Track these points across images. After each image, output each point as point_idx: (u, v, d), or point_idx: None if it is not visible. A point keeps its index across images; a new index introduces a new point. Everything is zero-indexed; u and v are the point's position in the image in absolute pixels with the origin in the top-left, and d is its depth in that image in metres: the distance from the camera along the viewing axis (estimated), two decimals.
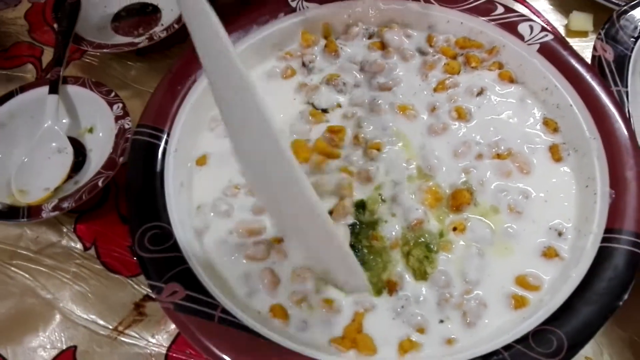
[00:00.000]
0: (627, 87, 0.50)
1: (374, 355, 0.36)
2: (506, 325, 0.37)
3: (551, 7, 0.64)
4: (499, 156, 0.46)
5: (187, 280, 0.37)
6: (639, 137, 0.47)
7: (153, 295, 0.43)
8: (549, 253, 0.41)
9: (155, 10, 0.62)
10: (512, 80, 0.50)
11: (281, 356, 0.34)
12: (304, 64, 0.52)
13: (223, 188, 0.44)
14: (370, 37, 0.53)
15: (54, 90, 0.52)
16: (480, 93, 0.49)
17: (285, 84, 0.51)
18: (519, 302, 0.39)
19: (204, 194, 0.44)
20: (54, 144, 0.51)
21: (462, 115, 0.47)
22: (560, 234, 0.42)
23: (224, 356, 0.34)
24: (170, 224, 0.40)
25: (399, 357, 0.36)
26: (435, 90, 0.49)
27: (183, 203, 0.42)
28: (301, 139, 0.47)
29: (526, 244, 0.42)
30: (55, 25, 0.57)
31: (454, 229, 0.42)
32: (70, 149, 0.50)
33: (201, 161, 0.46)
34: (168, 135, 0.44)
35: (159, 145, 0.43)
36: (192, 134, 0.46)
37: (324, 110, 0.49)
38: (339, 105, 0.49)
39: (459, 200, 0.43)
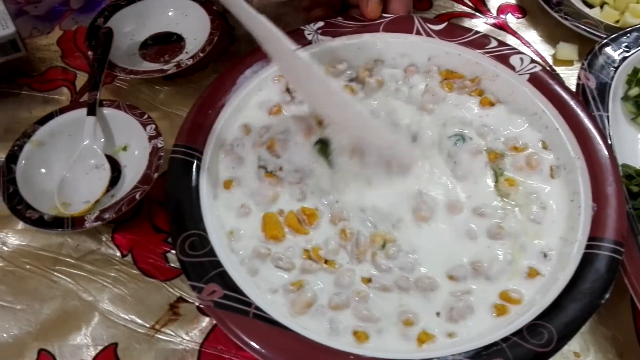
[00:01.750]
0: (608, 112, 0.56)
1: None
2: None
3: (540, 38, 0.71)
4: (516, 149, 0.52)
5: (224, 281, 0.42)
6: (619, 157, 0.53)
7: (192, 296, 0.49)
8: (532, 273, 0.45)
9: (179, 39, 0.68)
10: (492, 104, 0.55)
11: (310, 348, 0.39)
12: (287, 90, 0.56)
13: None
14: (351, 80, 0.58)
15: (92, 112, 0.57)
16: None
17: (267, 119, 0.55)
18: (500, 311, 0.43)
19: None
20: (92, 161, 0.56)
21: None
22: (545, 256, 0.46)
23: (257, 346, 0.39)
24: (206, 232, 0.45)
25: (417, 348, 0.41)
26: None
27: (216, 215, 0.47)
28: (272, 213, 0.48)
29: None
30: (90, 53, 0.63)
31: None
32: (107, 166, 0.55)
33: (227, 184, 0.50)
34: (201, 153, 0.49)
35: (193, 163, 0.48)
36: (218, 149, 0.51)
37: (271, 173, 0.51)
38: (281, 169, 0.51)
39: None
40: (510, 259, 0.46)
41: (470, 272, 0.45)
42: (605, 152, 0.49)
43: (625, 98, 0.60)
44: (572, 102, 0.52)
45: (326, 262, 0.46)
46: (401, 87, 0.56)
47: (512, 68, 0.54)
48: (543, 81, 0.53)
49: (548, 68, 0.63)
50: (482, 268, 0.45)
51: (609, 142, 0.52)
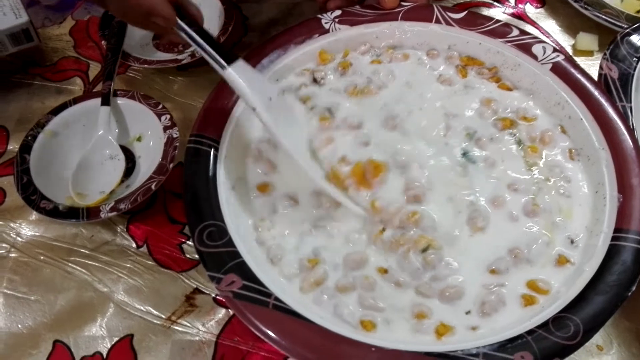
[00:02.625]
0: (630, 102, 0.55)
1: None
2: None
3: (559, 28, 0.69)
4: (525, 119, 0.52)
5: (243, 271, 0.41)
6: None
7: (209, 287, 0.49)
8: (561, 260, 0.45)
9: None
10: (510, 89, 0.55)
11: (331, 339, 0.39)
12: (314, 80, 0.55)
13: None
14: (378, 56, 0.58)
15: (106, 102, 0.56)
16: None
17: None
18: (529, 301, 0.43)
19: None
20: (107, 151, 0.55)
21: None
22: (572, 242, 0.46)
23: (278, 338, 0.38)
24: (224, 222, 0.44)
25: (436, 340, 0.41)
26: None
27: (234, 205, 0.46)
28: (336, 169, 0.48)
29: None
30: (104, 43, 0.62)
31: None
32: (122, 156, 0.55)
33: (262, 189, 0.49)
34: (218, 143, 0.48)
35: (210, 152, 0.48)
36: (238, 144, 0.50)
37: (329, 111, 0.52)
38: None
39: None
40: (547, 240, 0.45)
41: (511, 262, 0.44)
42: (631, 143, 0.47)
43: None
44: (596, 93, 0.50)
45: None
46: (426, 62, 0.57)
47: (535, 57, 0.53)
48: (566, 71, 0.52)
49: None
50: (522, 253, 0.44)
51: (634, 132, 0.50)
